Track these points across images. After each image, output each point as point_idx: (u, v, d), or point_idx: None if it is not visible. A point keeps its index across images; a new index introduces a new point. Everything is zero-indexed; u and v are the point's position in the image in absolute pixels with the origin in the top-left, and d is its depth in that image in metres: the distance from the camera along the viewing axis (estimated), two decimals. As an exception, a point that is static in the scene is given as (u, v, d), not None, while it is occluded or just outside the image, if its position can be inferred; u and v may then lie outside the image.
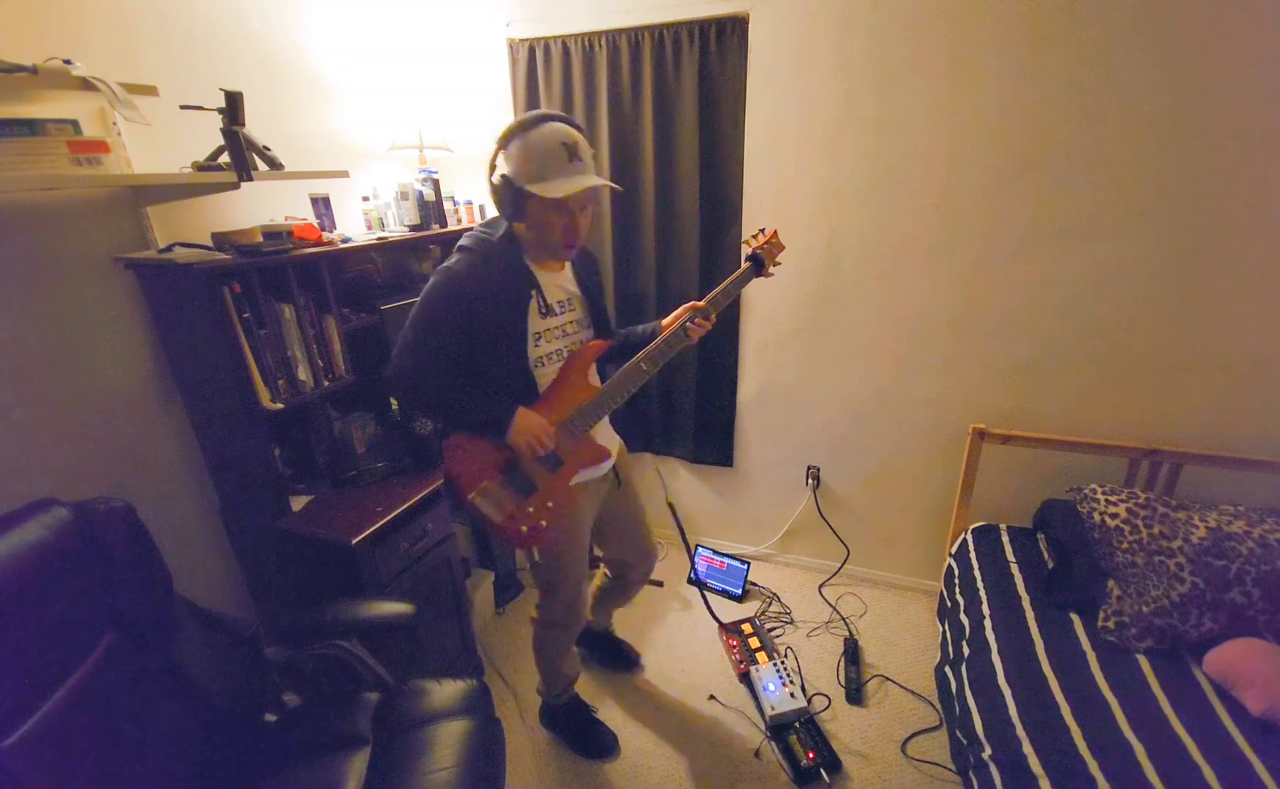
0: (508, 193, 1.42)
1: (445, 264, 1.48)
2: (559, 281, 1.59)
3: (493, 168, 1.46)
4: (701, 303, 1.64)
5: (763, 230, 1.78)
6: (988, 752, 1.55)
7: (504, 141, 1.41)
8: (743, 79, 2.33)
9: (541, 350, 1.55)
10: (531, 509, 1.59)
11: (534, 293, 1.51)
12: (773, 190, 2.44)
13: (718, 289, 1.66)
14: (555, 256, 1.53)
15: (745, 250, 1.76)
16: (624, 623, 2.52)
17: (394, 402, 2.26)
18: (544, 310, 1.53)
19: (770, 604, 2.71)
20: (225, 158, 1.66)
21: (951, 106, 2.11)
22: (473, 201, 2.64)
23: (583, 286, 1.65)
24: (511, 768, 1.98)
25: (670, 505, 2.28)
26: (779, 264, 1.76)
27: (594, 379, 1.65)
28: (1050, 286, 2.18)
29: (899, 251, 2.33)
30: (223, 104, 1.62)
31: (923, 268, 2.32)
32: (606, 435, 1.77)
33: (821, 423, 2.69)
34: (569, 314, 1.61)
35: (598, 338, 1.67)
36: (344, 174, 1.98)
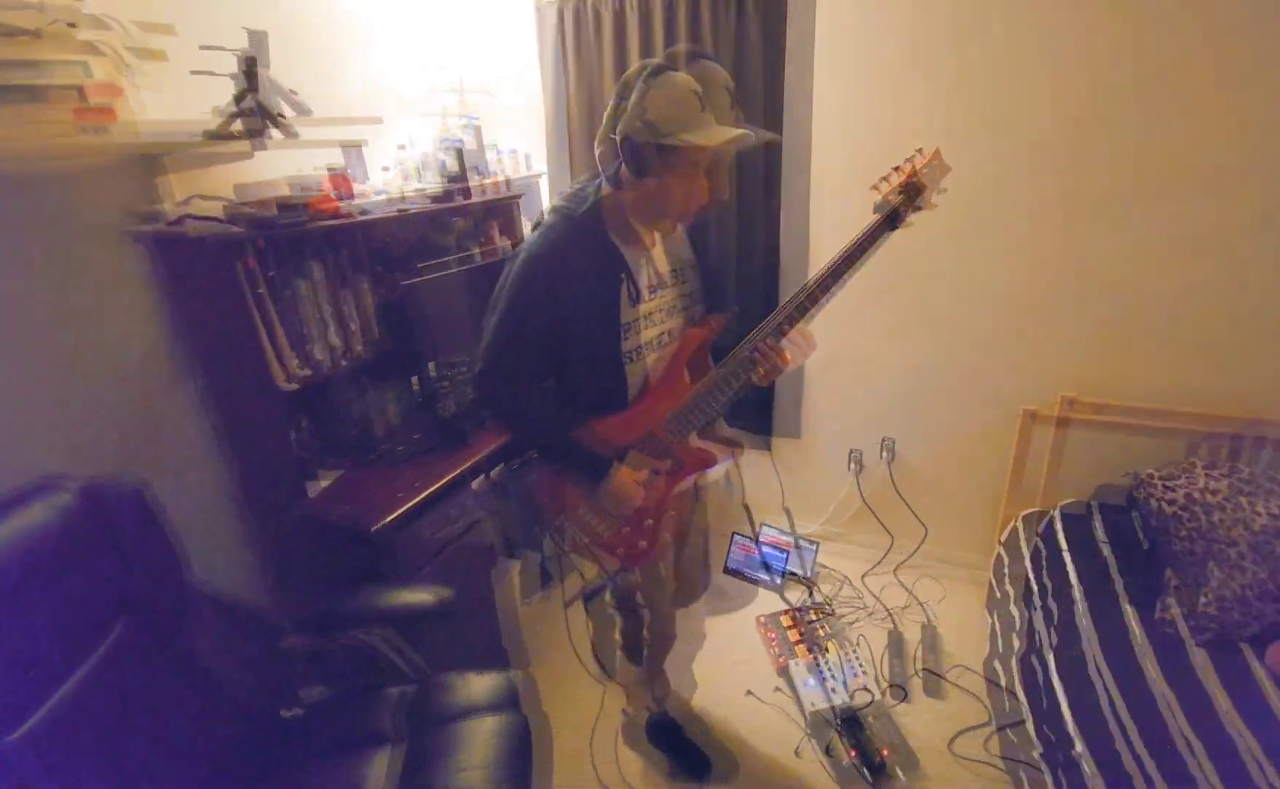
0: (635, 148, 1.21)
1: (525, 246, 1.31)
2: (649, 261, 1.39)
3: (617, 123, 1.23)
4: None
5: (913, 155, 1.28)
6: (1078, 747, 1.44)
7: (635, 89, 1.19)
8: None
9: (629, 344, 1.36)
10: (629, 529, 1.46)
11: (624, 277, 1.32)
12: (840, 137, 2.24)
13: (838, 255, 1.28)
14: (674, 222, 1.38)
15: (874, 197, 1.30)
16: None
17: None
18: (634, 296, 1.34)
19: (841, 588, 2.55)
20: (248, 102, 1.54)
21: (1038, 46, 1.93)
22: (517, 150, 2.52)
23: (673, 264, 1.44)
24: (560, 767, 1.90)
25: (746, 507, 2.11)
26: (944, 191, 1.30)
27: (691, 375, 1.44)
28: (1130, 255, 2.01)
29: (982, 204, 2.12)
30: (245, 45, 1.52)
31: (1003, 224, 2.14)
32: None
33: (891, 394, 2.50)
34: (660, 298, 1.41)
35: (692, 322, 1.47)
36: (377, 120, 1.91)
